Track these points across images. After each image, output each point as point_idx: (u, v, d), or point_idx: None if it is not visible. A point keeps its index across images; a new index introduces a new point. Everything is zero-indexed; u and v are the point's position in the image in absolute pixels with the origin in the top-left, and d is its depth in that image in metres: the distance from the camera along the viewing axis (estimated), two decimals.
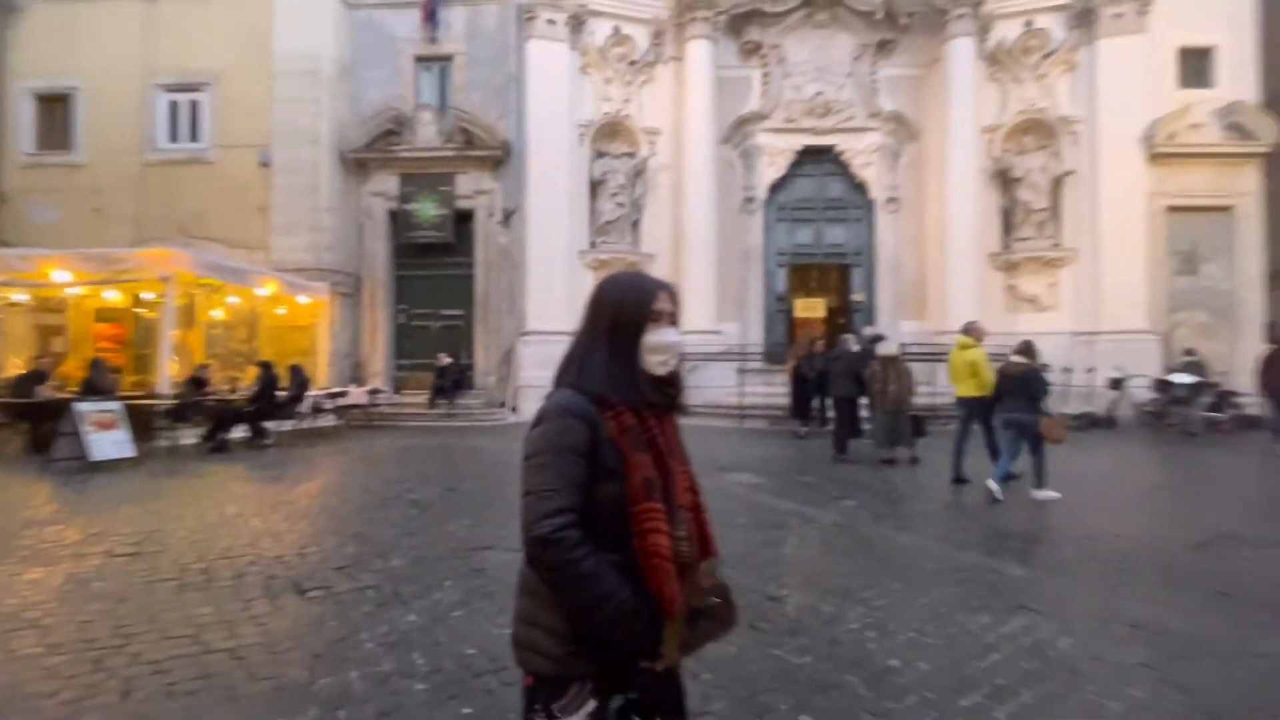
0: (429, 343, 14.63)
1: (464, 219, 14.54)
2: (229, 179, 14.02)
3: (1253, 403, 12.13)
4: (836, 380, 8.90)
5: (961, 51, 14.05)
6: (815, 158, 15.16)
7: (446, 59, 14.70)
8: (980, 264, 14.17)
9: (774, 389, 12.66)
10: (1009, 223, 14.46)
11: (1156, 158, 13.54)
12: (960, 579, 4.12)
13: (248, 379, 11.09)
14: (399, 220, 14.32)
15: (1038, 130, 14.25)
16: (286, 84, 13.86)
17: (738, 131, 15.01)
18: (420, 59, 14.73)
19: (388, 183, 14.45)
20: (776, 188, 15.12)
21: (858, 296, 15.31)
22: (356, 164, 14.33)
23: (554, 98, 14.00)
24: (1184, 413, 11.52)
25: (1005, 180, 14.38)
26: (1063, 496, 6.18)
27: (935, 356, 12.93)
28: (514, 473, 5.31)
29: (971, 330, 7.49)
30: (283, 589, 3.87)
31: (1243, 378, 13.17)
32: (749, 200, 15.00)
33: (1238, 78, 13.81)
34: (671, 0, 14.55)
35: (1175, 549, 4.79)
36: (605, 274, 12.56)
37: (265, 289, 11.68)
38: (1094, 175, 13.69)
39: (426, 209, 14.21)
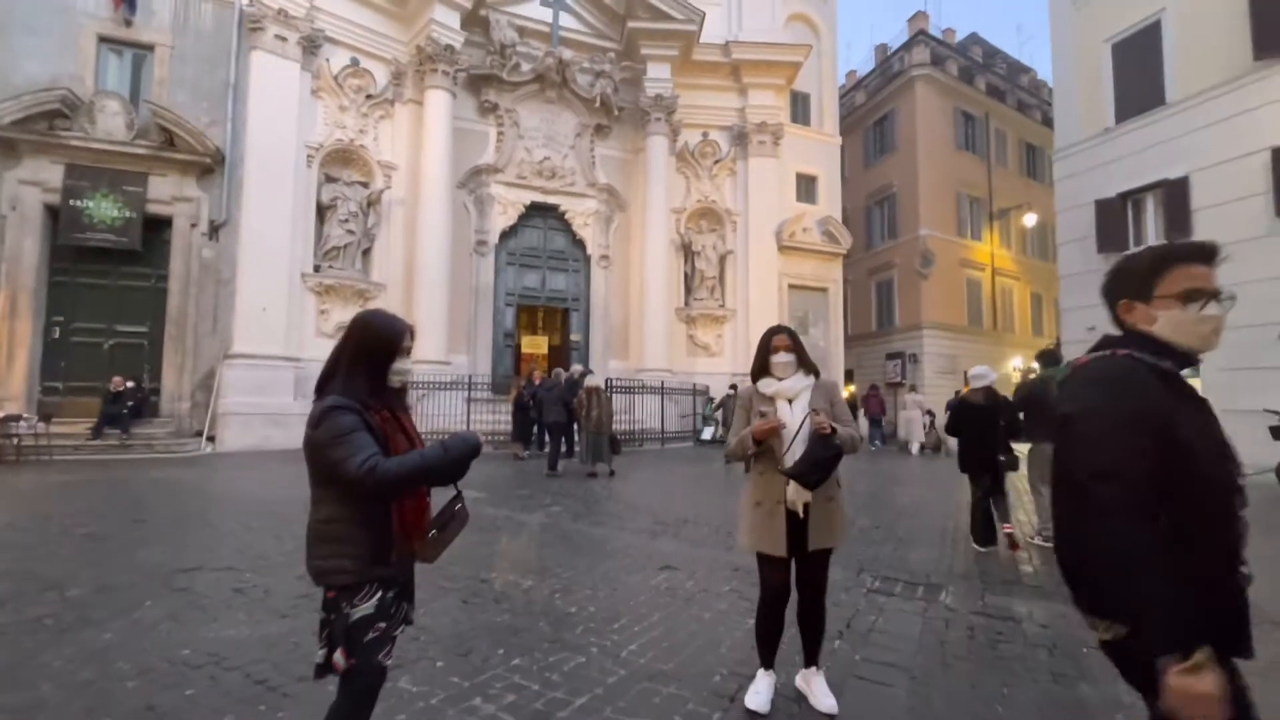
0: (98, 363, 11.99)
1: (156, 225, 12.40)
2: None
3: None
4: (548, 408, 9.90)
5: (658, 146, 16.79)
6: (542, 213, 16.47)
7: (145, 48, 12.56)
8: (669, 316, 16.82)
9: (500, 417, 13.25)
10: (690, 285, 17.49)
11: (784, 249, 17.82)
12: (628, 554, 5.20)
13: None
14: (63, 218, 11.60)
15: (710, 217, 17.64)
16: None
17: (473, 179, 15.60)
18: (107, 40, 12.35)
19: (47, 171, 11.64)
20: (507, 235, 16.00)
21: (575, 337, 16.86)
22: (1, 143, 11.30)
23: (280, 115, 12.95)
24: None
25: (688, 252, 17.42)
26: None
27: (634, 390, 14.94)
28: (218, 501, 5.34)
29: None
30: None
31: None
32: (481, 243, 15.60)
33: (830, 199, 19.00)
34: (412, 48, 14.69)
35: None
36: (331, 298, 11.93)
37: None
38: (746, 256, 17.42)
39: (104, 209, 11.79)
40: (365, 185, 14.26)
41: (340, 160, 14.09)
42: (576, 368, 12.04)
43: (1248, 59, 12.26)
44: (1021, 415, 5.68)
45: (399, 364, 1.80)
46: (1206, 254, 1.32)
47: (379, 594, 1.68)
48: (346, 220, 13.86)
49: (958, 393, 6.98)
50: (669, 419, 15.06)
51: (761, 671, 2.61)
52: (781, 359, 2.61)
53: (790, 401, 2.59)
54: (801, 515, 2.49)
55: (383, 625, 1.68)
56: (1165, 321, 1.31)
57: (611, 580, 4.45)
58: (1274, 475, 8.96)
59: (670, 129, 16.96)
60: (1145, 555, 1.13)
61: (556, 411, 9.75)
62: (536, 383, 11.24)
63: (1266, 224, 11.89)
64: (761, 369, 2.68)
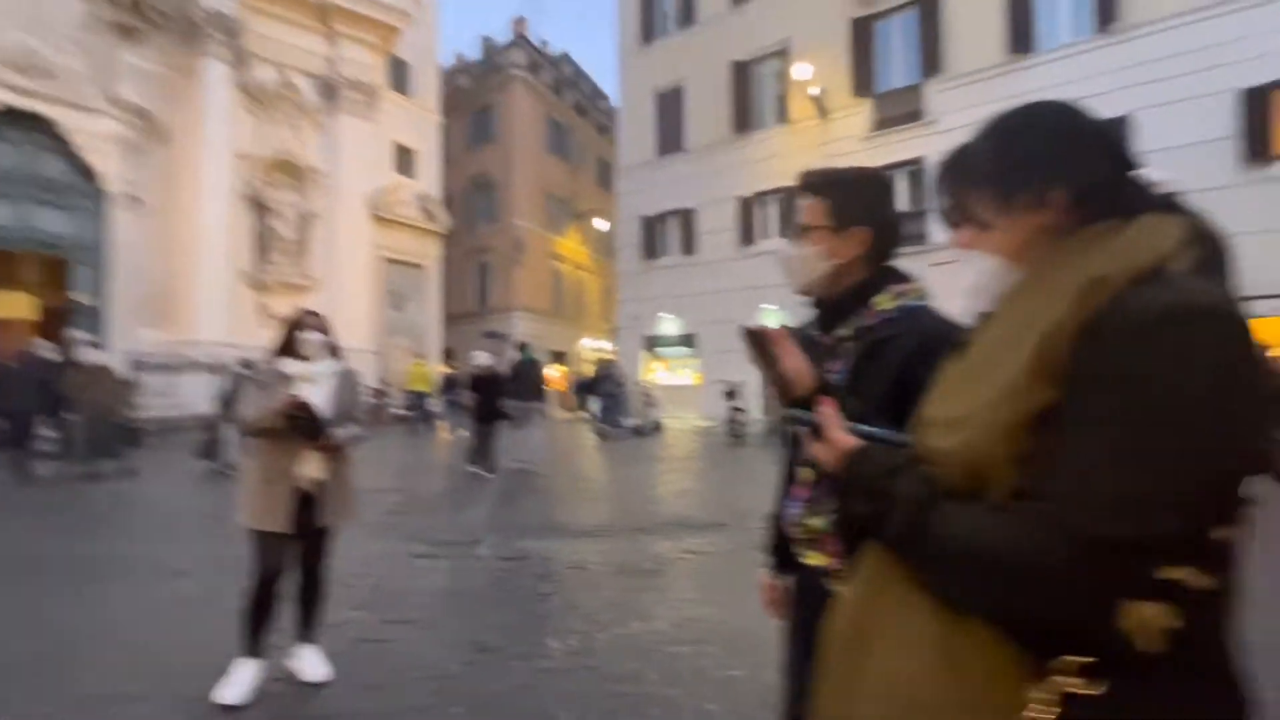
0: None
1: None
2: None
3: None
4: (18, 391, 7.21)
5: (218, 74, 13.80)
6: (23, 124, 11.77)
7: None
8: (233, 280, 14.14)
9: None
10: (263, 246, 15.01)
11: (379, 219, 16.88)
12: (124, 567, 4.23)
13: None
14: None
15: (290, 171, 15.41)
16: None
17: None
18: None
19: None
20: None
21: (81, 297, 12.64)
22: None
23: None
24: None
25: (260, 207, 14.88)
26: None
27: (179, 367, 12.11)
28: None
29: (421, 355, 11.90)
30: None
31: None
32: None
33: (429, 176, 18.79)
34: None
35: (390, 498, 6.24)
36: None
37: None
38: (334, 221, 15.86)
39: None
40: None
41: None
42: (76, 336, 9.06)
43: (730, 130, 16.90)
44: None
45: None
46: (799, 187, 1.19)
47: None
48: None
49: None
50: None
51: (244, 661, 2.46)
52: (314, 338, 2.59)
53: (311, 384, 2.55)
54: (312, 492, 2.48)
55: None
56: None
57: (94, 602, 3.55)
58: (726, 425, 12.76)
59: (235, 56, 14.10)
60: None
61: (26, 396, 7.15)
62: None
63: (735, 250, 16.67)
64: (286, 348, 2.59)
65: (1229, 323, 0.55)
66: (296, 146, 15.43)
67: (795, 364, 0.95)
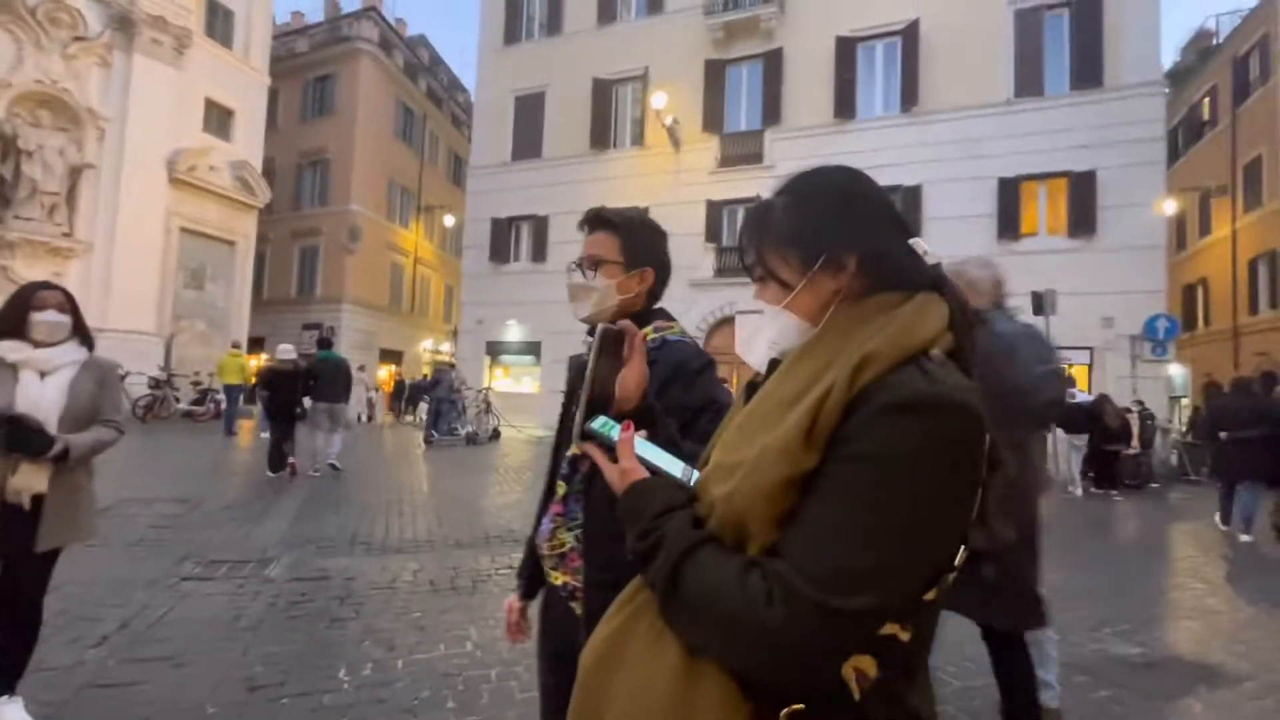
0: None
1: None
2: None
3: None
4: None
5: None
6: None
7: None
8: None
9: None
10: (10, 196, 12.21)
11: (178, 182, 14.55)
12: None
13: None
14: None
15: (59, 110, 12.76)
16: None
17: None
18: None
19: None
20: None
21: None
22: None
23: None
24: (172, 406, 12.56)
25: (11, 148, 12.11)
26: None
27: None
28: None
29: (238, 345, 11.64)
30: None
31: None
32: None
33: (249, 142, 16.64)
34: None
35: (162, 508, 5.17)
36: None
37: None
38: (117, 178, 13.38)
39: None
40: None
41: None
42: None
43: (588, 144, 17.07)
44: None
45: None
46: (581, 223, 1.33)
47: None
48: None
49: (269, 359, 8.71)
50: None
51: None
52: (50, 318, 2.11)
53: (43, 375, 2.10)
54: (28, 508, 2.01)
55: None
56: None
57: None
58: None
59: None
60: None
61: None
62: None
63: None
64: (11, 328, 2.10)
65: (963, 414, 0.59)
66: (71, 81, 12.81)
67: (638, 376, 0.92)
